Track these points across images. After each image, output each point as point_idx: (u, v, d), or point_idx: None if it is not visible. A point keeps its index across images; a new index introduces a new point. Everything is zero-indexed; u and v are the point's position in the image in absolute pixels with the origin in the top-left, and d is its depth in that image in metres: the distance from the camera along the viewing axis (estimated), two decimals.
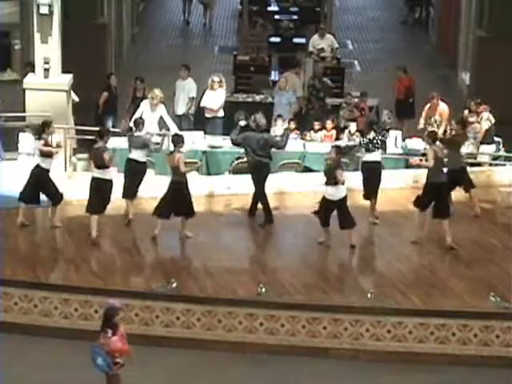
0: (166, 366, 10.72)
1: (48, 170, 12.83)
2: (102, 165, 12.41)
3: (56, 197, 12.91)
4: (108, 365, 9.19)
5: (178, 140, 12.69)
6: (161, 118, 15.39)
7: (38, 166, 12.78)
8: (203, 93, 16.58)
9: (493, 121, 15.41)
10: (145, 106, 15.44)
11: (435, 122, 16.04)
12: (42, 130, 12.92)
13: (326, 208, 12.58)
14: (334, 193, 12.47)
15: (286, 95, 17.05)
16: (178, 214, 12.70)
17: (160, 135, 14.48)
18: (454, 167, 13.31)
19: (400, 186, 14.50)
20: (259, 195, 13.37)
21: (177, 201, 12.56)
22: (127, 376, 10.28)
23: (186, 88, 16.54)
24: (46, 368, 10.57)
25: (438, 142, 12.96)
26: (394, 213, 13.81)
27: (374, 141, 13.29)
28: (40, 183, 12.78)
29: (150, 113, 15.29)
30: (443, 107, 16.24)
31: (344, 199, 12.53)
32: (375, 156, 13.34)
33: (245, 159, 14.54)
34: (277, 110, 16.82)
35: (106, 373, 9.31)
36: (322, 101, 17.28)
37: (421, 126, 16.20)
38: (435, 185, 12.64)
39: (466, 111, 15.88)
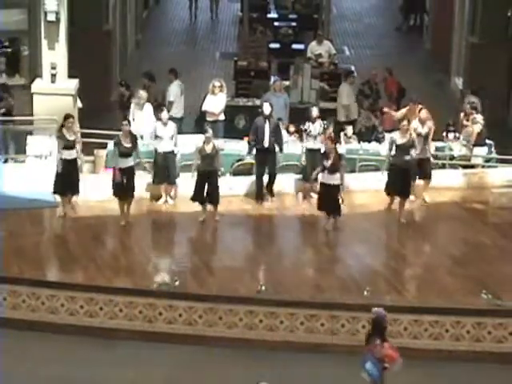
0: (168, 361, 10.86)
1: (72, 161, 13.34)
2: None
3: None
4: (378, 370, 9.29)
5: None
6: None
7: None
8: (204, 97, 16.89)
9: (483, 123, 15.65)
10: (133, 108, 15.64)
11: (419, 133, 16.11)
12: (62, 123, 13.42)
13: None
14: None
15: (282, 97, 17.32)
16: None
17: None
18: (421, 156, 13.85)
19: None
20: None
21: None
22: (132, 371, 10.60)
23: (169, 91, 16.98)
24: (52, 363, 10.72)
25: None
26: (389, 213, 13.96)
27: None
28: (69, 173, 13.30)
29: (139, 113, 15.51)
30: (423, 111, 15.58)
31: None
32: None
33: (245, 161, 14.87)
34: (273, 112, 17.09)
35: (373, 378, 9.38)
36: (371, 106, 17.35)
37: (397, 116, 16.05)
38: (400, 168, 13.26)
39: (462, 114, 16.12)
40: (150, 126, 15.12)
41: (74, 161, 13.47)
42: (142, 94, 15.67)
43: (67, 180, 13.40)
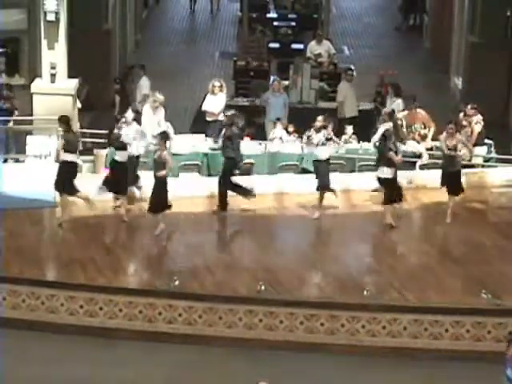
0: (168, 361, 10.88)
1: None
2: None
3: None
4: None
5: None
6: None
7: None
8: (204, 97, 16.91)
9: (482, 123, 15.68)
10: (146, 109, 15.71)
11: (415, 129, 16.06)
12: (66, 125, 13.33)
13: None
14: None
15: (282, 97, 17.34)
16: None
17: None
18: None
19: None
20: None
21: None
22: (132, 371, 10.61)
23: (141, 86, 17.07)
24: (52, 363, 10.73)
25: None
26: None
27: None
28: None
29: (152, 116, 15.54)
30: (423, 114, 16.05)
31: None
32: None
33: (245, 161, 14.86)
34: (272, 111, 17.10)
35: None
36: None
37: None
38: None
39: (461, 114, 16.15)
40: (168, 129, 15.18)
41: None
42: (159, 96, 15.59)
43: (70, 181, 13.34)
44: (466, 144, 13.74)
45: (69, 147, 13.16)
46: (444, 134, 13.82)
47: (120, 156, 13.39)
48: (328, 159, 13.83)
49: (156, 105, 15.46)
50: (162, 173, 12.72)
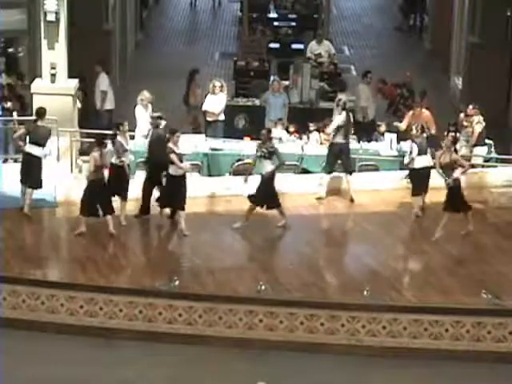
0: (168, 361, 10.89)
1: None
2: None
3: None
4: None
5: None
6: None
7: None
8: (205, 97, 16.93)
9: (483, 123, 15.70)
10: (138, 109, 15.67)
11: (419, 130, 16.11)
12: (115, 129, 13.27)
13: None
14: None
15: (281, 97, 17.35)
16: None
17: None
18: None
19: (394, 187, 14.73)
20: None
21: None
22: (132, 371, 10.62)
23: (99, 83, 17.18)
24: (52, 363, 10.74)
25: None
26: (388, 212, 14.05)
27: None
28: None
29: (144, 114, 15.51)
30: (427, 114, 16.03)
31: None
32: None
33: (245, 161, 14.89)
34: (272, 112, 17.12)
35: None
36: (409, 109, 17.16)
37: (402, 127, 16.19)
38: None
39: (462, 115, 16.15)
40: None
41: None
42: (146, 93, 15.69)
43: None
44: (461, 163, 13.22)
45: (35, 139, 13.14)
46: (440, 150, 13.41)
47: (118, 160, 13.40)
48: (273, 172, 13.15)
49: (145, 103, 15.48)
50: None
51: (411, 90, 18.06)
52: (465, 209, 13.07)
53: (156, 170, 13.35)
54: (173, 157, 12.81)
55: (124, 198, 13.37)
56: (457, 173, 13.00)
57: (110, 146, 13.17)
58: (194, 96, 17.49)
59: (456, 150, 13.75)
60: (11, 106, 15.87)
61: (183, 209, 13.01)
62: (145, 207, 13.57)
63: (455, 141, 14.19)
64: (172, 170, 12.98)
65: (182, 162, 12.97)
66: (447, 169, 13.03)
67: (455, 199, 12.99)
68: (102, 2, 19.73)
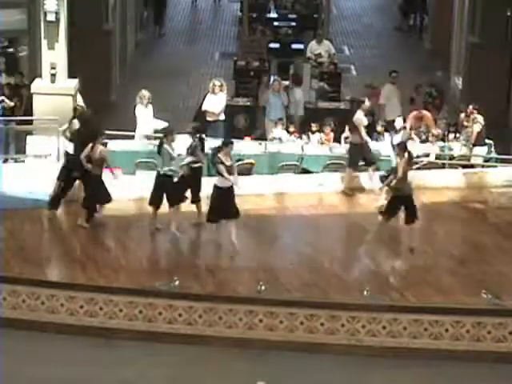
0: (168, 361, 10.89)
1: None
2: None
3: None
4: None
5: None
6: None
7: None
8: (204, 97, 16.93)
9: (483, 123, 15.70)
10: (139, 109, 15.67)
11: (424, 133, 16.07)
12: (163, 138, 13.05)
13: None
14: None
15: (281, 97, 17.36)
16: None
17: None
18: None
19: None
20: None
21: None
22: (132, 371, 10.62)
23: None
24: (52, 363, 10.74)
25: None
26: None
27: None
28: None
29: (144, 113, 15.55)
30: (428, 116, 16.12)
31: None
32: None
33: (245, 161, 14.89)
34: (272, 111, 17.09)
35: None
36: (437, 109, 17.18)
37: (407, 134, 16.19)
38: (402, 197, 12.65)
39: (463, 115, 16.17)
40: (158, 125, 15.27)
41: None
42: (144, 93, 15.70)
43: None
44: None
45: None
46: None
47: None
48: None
49: (145, 102, 15.50)
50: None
51: (440, 90, 17.98)
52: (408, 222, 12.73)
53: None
54: (221, 168, 12.48)
55: (170, 205, 13.09)
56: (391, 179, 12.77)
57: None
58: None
59: (411, 157, 13.11)
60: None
61: (237, 216, 12.62)
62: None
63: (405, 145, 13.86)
64: (219, 182, 12.57)
65: (230, 174, 12.53)
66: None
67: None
68: (102, 2, 19.73)
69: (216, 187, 12.59)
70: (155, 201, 13.10)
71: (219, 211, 12.58)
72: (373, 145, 16.11)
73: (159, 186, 13.00)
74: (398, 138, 13.42)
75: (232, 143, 12.89)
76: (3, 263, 11.87)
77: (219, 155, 12.57)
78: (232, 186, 12.61)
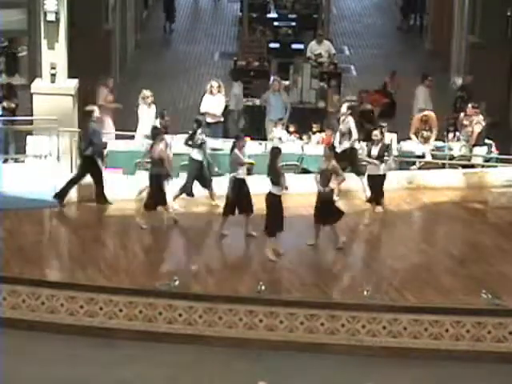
0: (168, 361, 10.90)
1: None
2: None
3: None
4: None
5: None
6: None
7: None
8: (202, 97, 16.93)
9: (483, 123, 15.72)
10: (141, 109, 15.69)
11: (428, 136, 16.05)
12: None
13: None
14: None
15: (282, 97, 17.38)
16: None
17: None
18: None
19: (395, 187, 14.71)
20: None
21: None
22: (132, 371, 10.62)
23: None
24: (52, 363, 10.74)
25: None
26: (389, 212, 14.06)
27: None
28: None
29: (147, 113, 15.56)
30: (432, 116, 16.08)
31: None
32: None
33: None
34: (272, 112, 17.11)
35: None
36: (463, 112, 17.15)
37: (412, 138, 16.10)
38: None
39: (462, 114, 16.17)
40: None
41: None
42: (146, 92, 15.66)
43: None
44: (338, 173, 12.90)
45: None
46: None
47: None
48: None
49: (148, 102, 15.51)
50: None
51: (470, 93, 17.94)
52: (329, 221, 12.73)
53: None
54: (282, 178, 12.48)
55: (246, 211, 13.02)
56: (333, 183, 12.78)
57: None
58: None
59: (337, 158, 13.24)
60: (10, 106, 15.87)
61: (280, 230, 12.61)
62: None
63: (333, 148, 13.96)
64: (275, 190, 12.55)
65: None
66: (323, 176, 12.73)
67: (325, 210, 12.72)
68: (102, 2, 19.74)
69: (271, 194, 12.56)
70: (231, 209, 13.07)
71: (279, 222, 12.58)
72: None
73: (237, 189, 12.92)
74: (375, 150, 13.44)
75: (244, 136, 13.02)
76: (3, 263, 11.87)
77: (278, 165, 12.61)
78: (280, 196, 12.63)
